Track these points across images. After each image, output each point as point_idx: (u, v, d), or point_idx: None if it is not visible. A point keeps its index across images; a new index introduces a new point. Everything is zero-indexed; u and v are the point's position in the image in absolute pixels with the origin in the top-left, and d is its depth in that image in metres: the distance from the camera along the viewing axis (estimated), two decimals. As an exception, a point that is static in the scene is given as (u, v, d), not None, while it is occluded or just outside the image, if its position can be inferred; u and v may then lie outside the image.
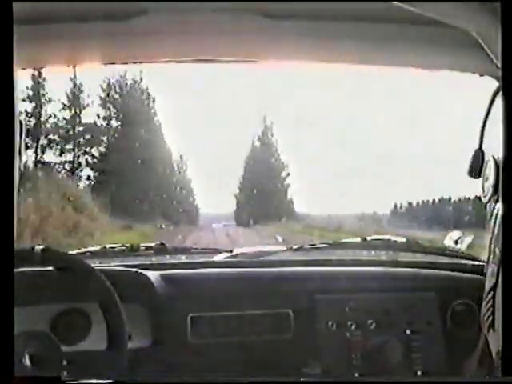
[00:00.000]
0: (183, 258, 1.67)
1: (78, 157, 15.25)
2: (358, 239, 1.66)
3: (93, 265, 1.26)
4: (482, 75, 0.93)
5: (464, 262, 1.57)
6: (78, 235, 9.53)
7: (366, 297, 1.43)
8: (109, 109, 15.66)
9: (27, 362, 1.08)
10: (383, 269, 1.55)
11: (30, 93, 12.67)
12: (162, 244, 1.63)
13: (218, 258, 1.61)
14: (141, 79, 14.66)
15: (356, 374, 1.37)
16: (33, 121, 13.10)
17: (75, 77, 13.43)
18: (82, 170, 15.22)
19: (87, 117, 15.30)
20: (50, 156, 13.67)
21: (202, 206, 17.65)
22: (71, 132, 14.92)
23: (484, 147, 0.75)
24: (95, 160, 15.54)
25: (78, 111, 14.97)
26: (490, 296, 0.59)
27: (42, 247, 1.19)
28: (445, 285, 1.47)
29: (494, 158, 0.63)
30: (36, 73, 12.01)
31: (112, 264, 1.52)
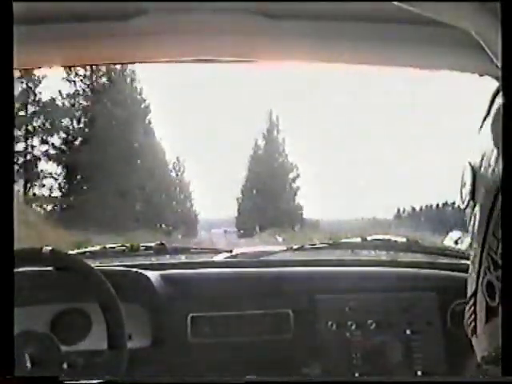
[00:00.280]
0: (183, 258, 1.67)
1: (33, 147, 11.57)
2: (358, 239, 1.66)
3: (93, 265, 1.26)
4: (481, 75, 0.93)
5: (464, 261, 1.57)
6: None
7: (366, 297, 1.43)
8: (74, 83, 11.84)
9: (27, 361, 1.08)
10: (383, 269, 1.55)
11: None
12: (162, 244, 1.63)
13: (218, 258, 1.61)
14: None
15: (356, 374, 1.37)
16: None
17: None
18: (36, 166, 11.65)
19: (45, 92, 11.48)
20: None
21: (200, 210, 16.33)
22: (22, 113, 10.99)
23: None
24: (56, 151, 12.04)
25: (31, 85, 11.21)
26: (471, 302, 0.59)
27: (47, 248, 1.20)
28: (445, 285, 1.47)
29: (470, 163, 0.63)
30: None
31: (112, 264, 1.53)
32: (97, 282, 1.20)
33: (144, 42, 0.99)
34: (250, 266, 1.55)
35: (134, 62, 1.07)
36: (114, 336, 1.17)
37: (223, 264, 1.57)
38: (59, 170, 12.52)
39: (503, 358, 0.48)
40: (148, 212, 14.01)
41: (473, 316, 0.59)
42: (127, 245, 1.62)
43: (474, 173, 0.62)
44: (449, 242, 1.59)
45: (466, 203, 0.63)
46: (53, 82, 11.81)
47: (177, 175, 16.52)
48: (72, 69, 11.31)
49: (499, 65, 0.64)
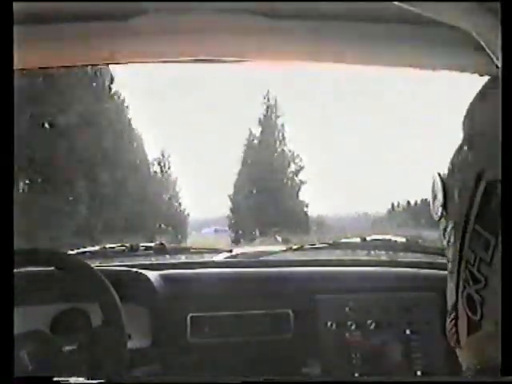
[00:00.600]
0: (183, 258, 1.67)
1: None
2: (358, 239, 1.66)
3: (93, 265, 1.27)
4: (481, 75, 0.93)
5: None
6: None
7: (366, 297, 1.43)
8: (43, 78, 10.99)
9: (27, 362, 1.08)
10: (383, 269, 1.55)
11: None
12: (162, 244, 1.63)
13: (218, 258, 1.62)
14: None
15: (356, 374, 1.37)
16: None
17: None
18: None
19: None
20: None
21: (188, 210, 14.57)
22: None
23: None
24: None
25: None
26: (452, 315, 0.58)
27: (45, 248, 1.20)
28: (445, 285, 1.47)
29: (439, 174, 0.60)
30: None
31: (112, 264, 1.53)
32: (97, 281, 1.20)
33: (144, 42, 0.99)
34: (250, 266, 1.55)
35: (133, 62, 1.07)
36: (114, 336, 1.17)
37: (223, 264, 1.57)
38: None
39: (503, 358, 0.48)
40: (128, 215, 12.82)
41: (454, 328, 0.58)
42: (127, 245, 1.62)
43: (444, 184, 0.59)
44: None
45: (438, 216, 0.60)
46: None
47: (162, 171, 14.73)
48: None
49: (499, 65, 0.64)
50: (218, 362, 1.37)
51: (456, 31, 0.73)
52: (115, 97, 13.77)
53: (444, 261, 0.62)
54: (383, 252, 1.73)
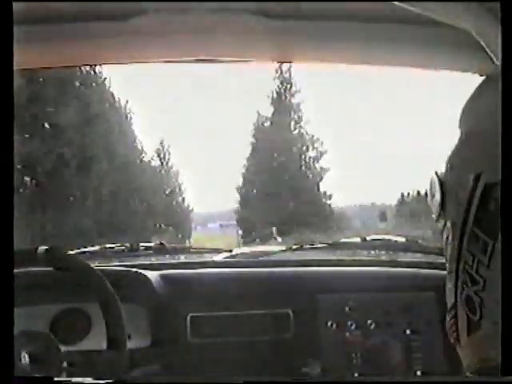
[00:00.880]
0: (183, 258, 1.67)
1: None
2: (358, 239, 1.66)
3: (93, 265, 1.26)
4: (481, 75, 0.93)
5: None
6: None
7: (366, 297, 1.43)
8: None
9: (27, 362, 1.08)
10: (383, 269, 1.55)
11: None
12: (162, 244, 1.63)
13: (218, 257, 1.62)
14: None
15: (356, 374, 1.37)
16: None
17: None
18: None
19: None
20: None
21: (193, 204, 13.74)
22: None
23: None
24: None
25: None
26: (452, 314, 0.58)
27: (44, 248, 1.19)
28: (444, 285, 1.47)
29: (436, 174, 0.59)
30: None
31: (112, 264, 1.53)
32: (97, 281, 1.20)
33: (144, 42, 0.99)
34: (250, 266, 1.55)
35: (133, 62, 1.07)
36: (114, 336, 1.17)
37: (223, 264, 1.57)
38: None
39: (503, 358, 0.48)
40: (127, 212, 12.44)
41: (454, 327, 0.58)
42: (127, 244, 1.62)
43: (442, 184, 0.58)
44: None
45: (436, 216, 0.59)
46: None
47: (161, 163, 13.42)
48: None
49: (499, 65, 0.63)
50: (217, 362, 1.37)
51: (456, 31, 0.73)
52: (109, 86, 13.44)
53: (444, 260, 0.62)
54: (383, 252, 1.74)
